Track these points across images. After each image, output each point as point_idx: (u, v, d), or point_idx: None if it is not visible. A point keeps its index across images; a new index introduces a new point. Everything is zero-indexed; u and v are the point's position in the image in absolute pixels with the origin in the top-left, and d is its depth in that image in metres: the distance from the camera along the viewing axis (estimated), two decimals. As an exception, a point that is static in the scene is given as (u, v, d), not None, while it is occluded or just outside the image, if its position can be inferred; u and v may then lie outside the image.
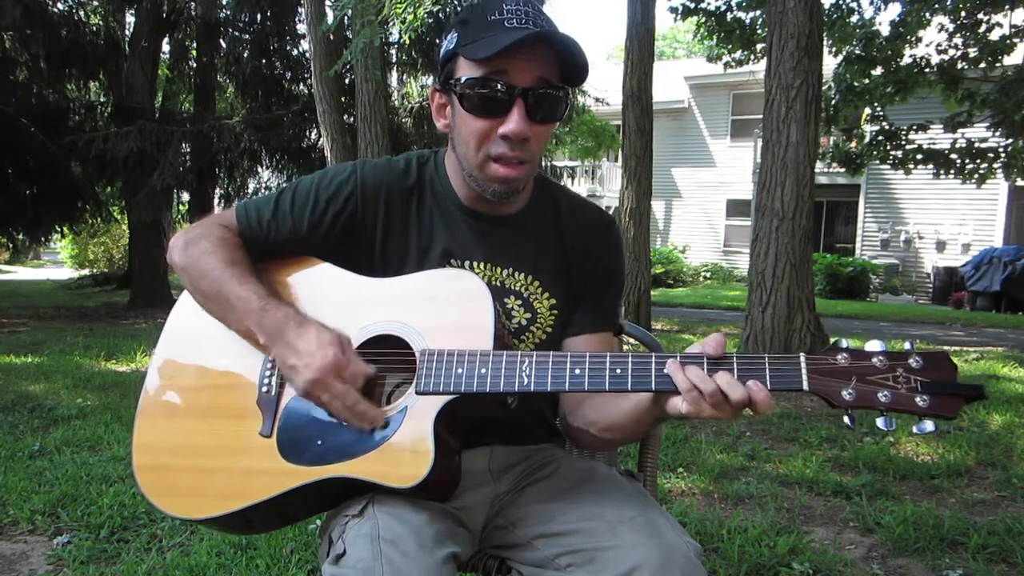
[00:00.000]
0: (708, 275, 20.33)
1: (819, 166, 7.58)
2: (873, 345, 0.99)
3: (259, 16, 12.41)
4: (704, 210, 20.76)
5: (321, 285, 1.26)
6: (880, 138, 10.60)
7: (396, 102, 12.43)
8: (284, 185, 1.38)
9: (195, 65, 13.38)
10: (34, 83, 11.48)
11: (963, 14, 9.70)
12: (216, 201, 13.68)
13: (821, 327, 6.12)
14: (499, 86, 1.15)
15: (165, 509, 1.18)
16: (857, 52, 9.97)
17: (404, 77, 13.16)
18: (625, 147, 8.46)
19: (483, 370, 1.08)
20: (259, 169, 13.30)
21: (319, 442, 1.11)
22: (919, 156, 10.36)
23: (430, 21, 8.32)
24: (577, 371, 1.05)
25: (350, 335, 1.17)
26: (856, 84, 10.10)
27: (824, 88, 8.00)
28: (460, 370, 1.09)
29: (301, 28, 12.05)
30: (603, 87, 13.54)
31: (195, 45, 13.14)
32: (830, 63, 9.04)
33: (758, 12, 9.89)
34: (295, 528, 2.55)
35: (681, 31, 37.03)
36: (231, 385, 1.21)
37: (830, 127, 10.89)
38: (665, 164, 19.68)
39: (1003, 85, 8.96)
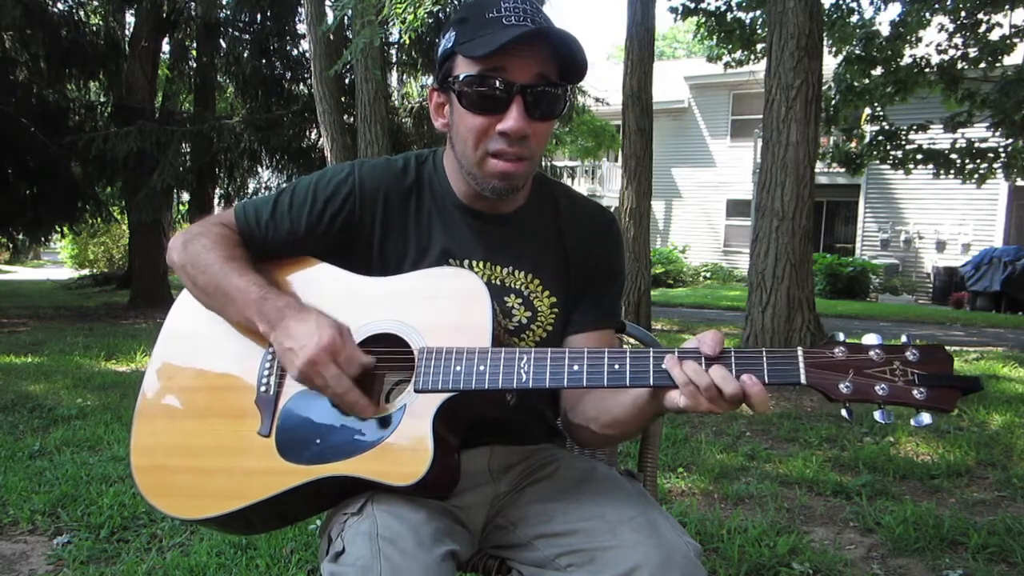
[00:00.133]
0: (708, 275, 20.33)
1: (819, 166, 7.58)
2: (870, 339, 0.99)
3: (259, 16, 12.41)
4: (704, 210, 20.76)
5: (319, 285, 1.26)
6: (880, 138, 10.60)
7: (396, 102, 12.44)
8: (283, 186, 1.38)
9: (195, 65, 13.39)
10: (34, 83, 11.49)
11: (963, 14, 9.70)
12: (216, 201, 13.68)
13: (821, 327, 6.12)
14: (497, 83, 1.15)
15: (164, 510, 1.18)
16: (857, 52, 9.97)
17: (404, 77, 13.16)
18: (625, 147, 8.46)
19: (481, 367, 1.08)
20: (259, 169, 13.30)
21: (318, 441, 1.11)
22: (919, 156, 10.36)
23: (430, 21, 8.32)
24: (575, 367, 1.06)
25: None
26: (856, 84, 10.10)
27: (824, 88, 8.00)
28: (459, 368, 1.09)
29: (301, 28, 12.06)
30: (603, 87, 13.55)
31: (195, 45, 13.15)
32: (830, 63, 9.04)
33: (758, 12, 9.89)
34: (295, 528, 2.55)
35: (681, 31, 37.04)
36: (229, 385, 1.21)
37: (830, 127, 10.89)
38: (665, 164, 19.68)
39: (1003, 85, 8.96)
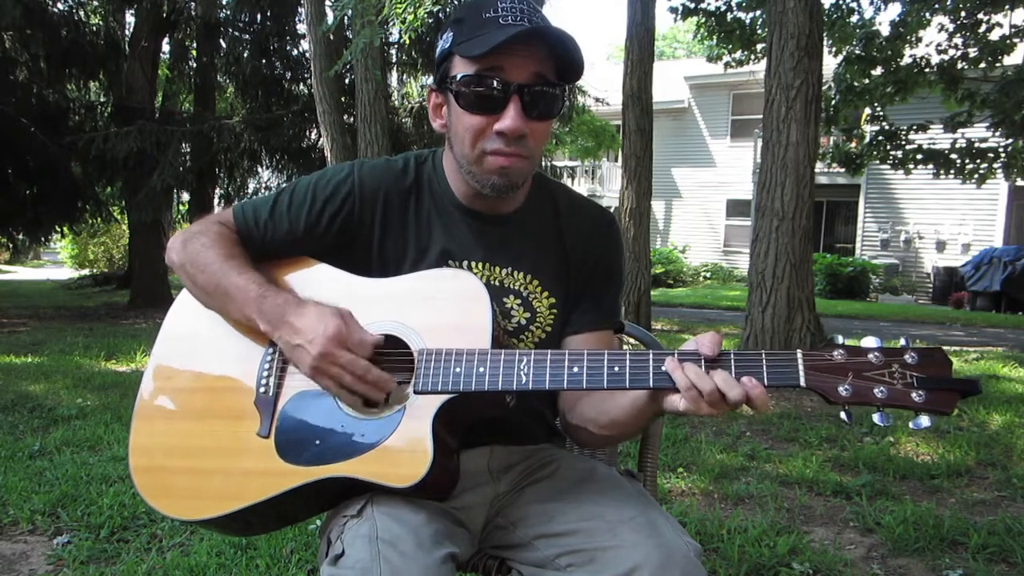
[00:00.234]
0: (708, 275, 20.33)
1: (819, 166, 7.58)
2: (869, 341, 1.00)
3: (259, 16, 12.41)
4: (704, 210, 20.76)
5: (318, 285, 1.26)
6: (880, 138, 10.60)
7: (396, 102, 12.44)
8: (283, 185, 1.38)
9: (195, 65, 13.38)
10: (34, 83, 11.48)
11: (963, 14, 9.70)
12: (216, 201, 13.68)
13: (821, 327, 6.12)
14: (495, 83, 1.15)
15: (163, 511, 1.18)
16: (857, 52, 9.97)
17: (404, 77, 13.16)
18: (625, 147, 8.46)
19: (481, 369, 1.08)
20: (259, 169, 13.30)
21: (317, 442, 1.11)
22: (919, 156, 10.36)
23: (430, 21, 8.31)
24: (575, 369, 1.06)
25: None
26: (856, 84, 10.09)
27: (824, 88, 8.00)
28: (458, 369, 1.09)
29: (301, 28, 12.06)
30: (603, 87, 13.55)
31: (195, 45, 13.14)
32: (830, 63, 9.03)
33: (758, 12, 9.89)
34: (295, 528, 2.55)
35: (681, 31, 37.03)
36: (228, 386, 1.21)
37: (830, 127, 10.88)
38: (665, 164, 19.68)
39: (1003, 85, 8.95)
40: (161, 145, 10.88)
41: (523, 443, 1.36)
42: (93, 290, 15.69)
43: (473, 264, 1.29)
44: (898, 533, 2.69)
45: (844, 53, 10.18)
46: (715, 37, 10.47)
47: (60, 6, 11.80)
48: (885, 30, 10.12)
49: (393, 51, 12.23)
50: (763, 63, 6.83)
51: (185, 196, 15.04)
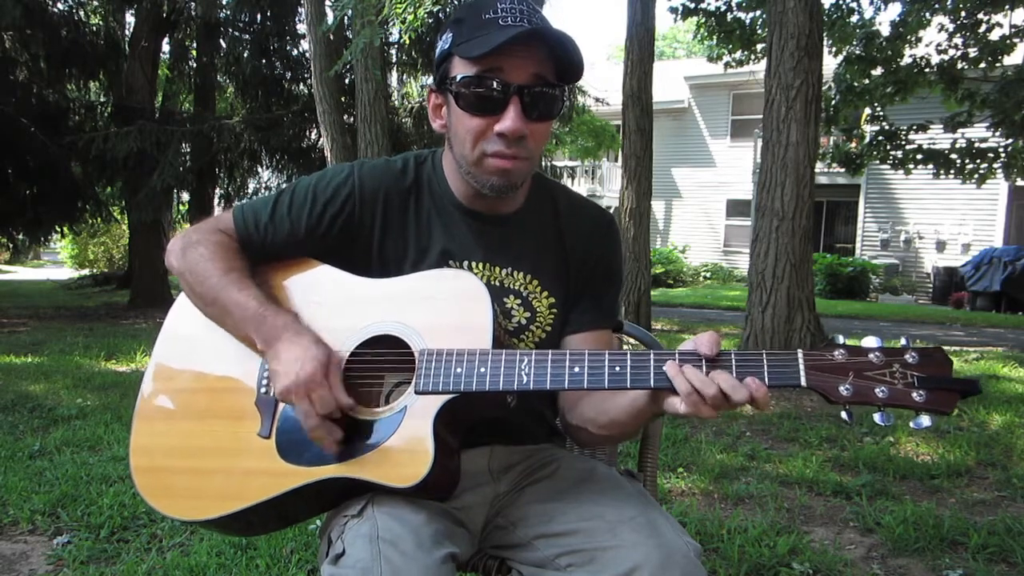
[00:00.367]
0: (708, 275, 20.33)
1: (819, 166, 7.58)
2: (870, 341, 1.00)
3: (259, 16, 12.41)
4: (704, 210, 20.76)
5: (319, 287, 1.26)
6: (880, 138, 10.60)
7: (396, 102, 12.44)
8: (282, 187, 1.38)
9: (195, 65, 13.38)
10: (34, 83, 11.48)
11: (963, 14, 9.70)
12: (216, 201, 13.68)
13: (821, 327, 6.12)
14: (494, 84, 1.15)
15: (164, 511, 1.18)
16: (857, 52, 9.97)
17: (404, 77, 13.16)
18: (625, 147, 8.46)
19: (482, 369, 1.08)
20: (259, 169, 13.30)
21: (318, 443, 1.11)
22: (919, 156, 10.36)
23: (430, 21, 8.31)
24: (576, 369, 1.06)
25: (348, 336, 1.17)
26: (856, 84, 10.09)
27: (824, 88, 8.00)
28: (459, 369, 1.09)
29: (301, 28, 12.06)
30: (603, 87, 13.55)
31: (195, 45, 13.15)
32: (830, 63, 9.03)
33: (758, 12, 9.89)
34: (295, 528, 2.55)
35: (681, 31, 37.03)
36: (229, 386, 1.21)
37: (830, 127, 10.88)
38: (665, 164, 19.68)
39: (1003, 85, 8.95)
40: (161, 145, 10.88)
41: (523, 443, 1.36)
42: (93, 290, 15.69)
43: (473, 264, 1.29)
44: (898, 533, 2.69)
45: (844, 53, 10.18)
46: (715, 37, 10.47)
47: (60, 6, 11.80)
48: (885, 30, 10.12)
49: (393, 51, 12.24)
50: (763, 63, 6.83)
51: (185, 196, 15.03)
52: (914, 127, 10.18)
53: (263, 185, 13.85)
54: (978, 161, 10.16)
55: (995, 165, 10.14)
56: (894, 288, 16.93)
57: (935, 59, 9.82)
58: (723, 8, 10.18)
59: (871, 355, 0.99)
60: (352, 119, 10.26)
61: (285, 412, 1.16)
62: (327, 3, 9.19)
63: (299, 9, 11.79)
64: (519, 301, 1.30)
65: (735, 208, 20.15)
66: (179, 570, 2.31)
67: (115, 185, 12.78)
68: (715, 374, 0.99)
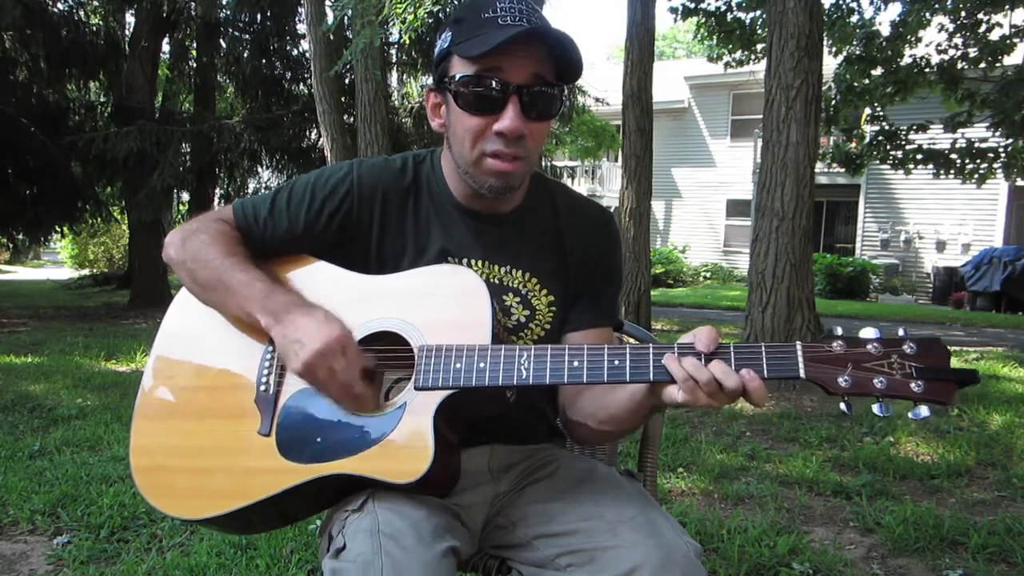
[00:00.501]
0: (708, 275, 20.33)
1: (819, 166, 7.57)
2: (868, 332, 1.00)
3: (259, 16, 12.41)
4: (704, 210, 20.76)
5: (318, 283, 1.26)
6: (880, 138, 10.59)
7: (396, 102, 12.44)
8: (282, 184, 1.38)
9: (195, 65, 13.38)
10: (34, 83, 11.48)
11: (963, 14, 9.70)
12: (216, 201, 13.68)
13: (821, 327, 6.12)
14: (493, 83, 1.15)
15: (164, 510, 1.18)
16: (857, 52, 9.97)
17: (404, 77, 13.16)
18: (625, 147, 8.46)
19: (482, 364, 1.08)
20: (259, 169, 13.30)
21: (318, 439, 1.11)
22: (919, 156, 10.36)
23: (430, 21, 8.31)
24: (575, 363, 1.06)
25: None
26: (856, 84, 10.09)
27: (824, 88, 8.00)
28: (459, 365, 1.09)
29: (301, 28, 12.06)
30: (603, 87, 13.56)
31: (195, 45, 13.14)
32: (830, 63, 9.03)
33: (758, 12, 9.88)
34: (295, 528, 2.55)
35: (681, 31, 37.03)
36: (229, 384, 1.21)
37: (830, 127, 10.88)
38: (665, 164, 19.68)
39: (1003, 85, 8.95)
40: (161, 145, 10.88)
41: (523, 442, 1.36)
42: (93, 290, 15.70)
43: (472, 262, 1.29)
44: (898, 533, 2.69)
45: (844, 53, 10.18)
46: (715, 37, 10.46)
47: (60, 6, 11.80)
48: (885, 30, 10.12)
49: (393, 51, 12.23)
50: (763, 63, 6.83)
51: (185, 196, 15.05)
52: (914, 127, 10.18)
53: (263, 185, 13.85)
54: (978, 161, 10.16)
55: (995, 165, 10.14)
56: (894, 288, 16.93)
57: (935, 59, 9.82)
58: (723, 8, 10.18)
59: (869, 346, 0.99)
60: (352, 119, 10.26)
61: (285, 409, 1.16)
62: (327, 3, 9.19)
63: (299, 9, 11.79)
64: (518, 299, 1.30)
65: (735, 208, 20.15)
66: (179, 570, 2.31)
67: (115, 185, 12.78)
68: (711, 363, 1.00)
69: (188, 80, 13.82)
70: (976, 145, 10.14)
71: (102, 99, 13.44)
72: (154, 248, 11.79)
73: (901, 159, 10.51)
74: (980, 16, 9.54)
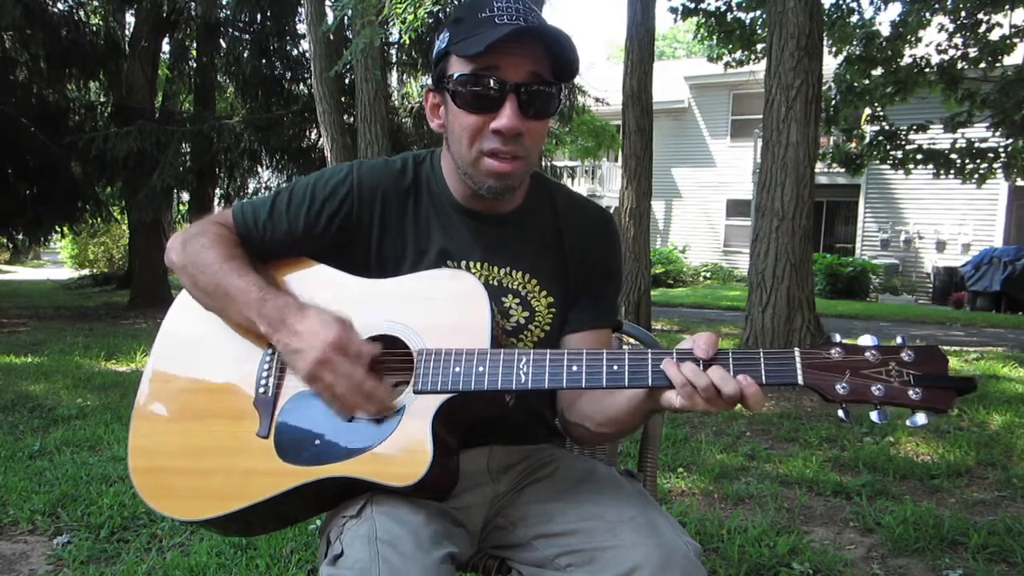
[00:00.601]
0: (708, 275, 20.33)
1: (819, 166, 7.58)
2: (866, 340, 1.00)
3: (259, 16, 12.41)
4: (704, 210, 20.76)
5: (317, 286, 1.26)
6: (880, 138, 10.60)
7: (396, 102, 12.44)
8: (281, 186, 1.38)
9: (195, 65, 13.38)
10: (34, 83, 11.48)
11: (963, 14, 9.70)
12: (216, 201, 13.68)
13: (821, 327, 6.12)
14: (491, 82, 1.15)
15: (163, 511, 1.18)
16: (857, 52, 9.97)
17: (404, 77, 13.16)
18: (625, 147, 8.46)
19: (481, 368, 1.08)
20: (259, 169, 13.30)
21: (317, 442, 1.11)
22: (919, 156, 10.36)
23: (430, 21, 8.31)
24: (574, 368, 1.06)
25: None
26: (856, 84, 10.09)
27: (824, 88, 8.00)
28: (458, 369, 1.09)
29: (301, 28, 12.06)
30: (603, 87, 13.54)
31: (195, 45, 13.14)
32: (830, 63, 9.03)
33: (758, 12, 9.89)
34: (295, 528, 2.55)
35: (681, 31, 37.02)
36: (228, 386, 1.21)
37: (830, 127, 10.88)
38: (665, 164, 19.68)
39: (1003, 85, 8.96)
40: (161, 145, 10.88)
41: (523, 443, 1.36)
42: (93, 290, 15.69)
43: (471, 264, 1.29)
44: (898, 533, 2.69)
45: (844, 53, 10.18)
46: (715, 37, 10.47)
47: (60, 6, 11.80)
48: (885, 30, 10.12)
49: (393, 51, 12.23)
50: (763, 63, 6.83)
51: (185, 196, 15.04)
52: (914, 127, 10.18)
53: (263, 185, 13.85)
54: (978, 161, 10.17)
55: (995, 165, 10.14)
56: (894, 288, 16.93)
57: (935, 59, 9.82)
58: (723, 8, 10.19)
59: (867, 353, 0.99)
60: (352, 119, 10.26)
61: (284, 412, 1.16)
62: (327, 3, 9.19)
63: (299, 9, 11.79)
64: (517, 300, 1.30)
65: (735, 208, 20.15)
66: (179, 570, 2.31)
67: (115, 185, 12.78)
68: (710, 368, 1.00)
69: (188, 80, 13.82)
70: (976, 145, 10.15)
71: (102, 99, 13.44)
72: (154, 248, 11.80)
73: (901, 159, 10.51)
74: (980, 16, 9.55)
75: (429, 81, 1.29)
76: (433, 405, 1.08)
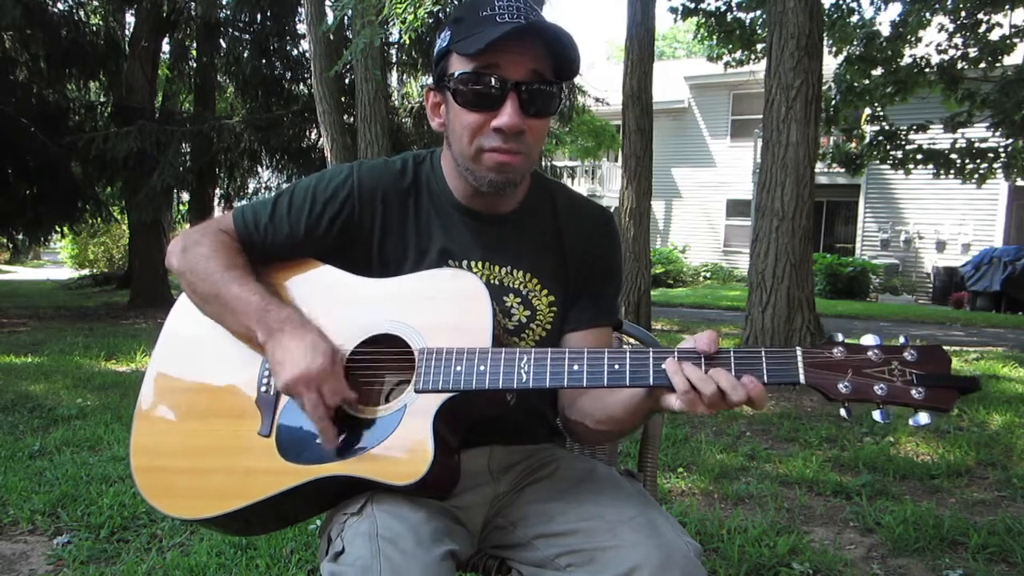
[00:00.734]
0: (708, 275, 20.33)
1: (819, 166, 7.58)
2: (868, 339, 1.00)
3: (259, 16, 12.41)
4: (704, 210, 20.76)
5: (320, 287, 1.26)
6: (880, 138, 10.60)
7: (396, 102, 12.44)
8: (282, 188, 1.38)
9: (195, 65, 13.39)
10: (34, 83, 11.48)
11: (963, 14, 9.70)
12: (216, 201, 13.69)
13: (821, 327, 6.12)
14: (492, 80, 1.15)
15: (164, 510, 1.18)
16: (857, 52, 9.97)
17: (404, 77, 13.16)
18: (625, 147, 8.46)
19: (482, 367, 1.08)
20: (259, 169, 13.30)
21: (318, 441, 1.12)
22: (919, 156, 10.36)
23: (430, 21, 8.30)
24: (575, 367, 1.06)
25: (349, 335, 1.18)
26: (856, 84, 10.10)
27: (824, 88, 8.00)
28: (459, 368, 1.09)
29: (301, 28, 12.06)
30: (603, 87, 13.54)
31: (195, 45, 13.15)
32: (830, 63, 9.03)
33: (758, 12, 9.89)
34: (295, 528, 2.55)
35: (681, 31, 37.02)
36: (229, 386, 1.21)
37: (830, 127, 10.88)
38: (665, 164, 19.68)
39: (1003, 85, 8.96)
40: (161, 145, 10.88)
41: (523, 443, 1.36)
42: (93, 290, 15.69)
43: (472, 263, 1.29)
44: (898, 533, 2.69)
45: (844, 53, 10.19)
46: (715, 37, 10.47)
47: (60, 6, 11.80)
48: (885, 30, 10.12)
49: (393, 51, 12.23)
50: (763, 63, 6.83)
51: (185, 196, 15.03)
52: (914, 127, 10.18)
53: (263, 185, 13.85)
54: (978, 161, 10.17)
55: (995, 165, 10.14)
56: (894, 288, 16.93)
57: (935, 59, 9.83)
58: (723, 8, 10.19)
59: (870, 352, 0.99)
60: (352, 119, 10.26)
61: (285, 411, 1.16)
62: (327, 3, 9.19)
63: (299, 9, 11.79)
64: (519, 299, 1.31)
65: (735, 208, 20.15)
66: (179, 570, 2.31)
67: (115, 185, 12.78)
68: (714, 372, 0.99)
69: (188, 80, 13.82)
70: (976, 145, 10.15)
71: (102, 99, 13.44)
72: (154, 248, 11.81)
73: (901, 159, 10.51)
74: (980, 16, 9.55)
75: (429, 80, 1.30)
76: (434, 404, 1.09)
